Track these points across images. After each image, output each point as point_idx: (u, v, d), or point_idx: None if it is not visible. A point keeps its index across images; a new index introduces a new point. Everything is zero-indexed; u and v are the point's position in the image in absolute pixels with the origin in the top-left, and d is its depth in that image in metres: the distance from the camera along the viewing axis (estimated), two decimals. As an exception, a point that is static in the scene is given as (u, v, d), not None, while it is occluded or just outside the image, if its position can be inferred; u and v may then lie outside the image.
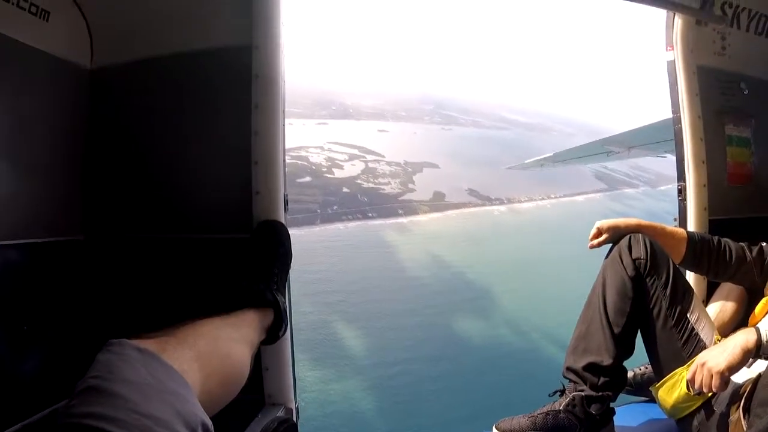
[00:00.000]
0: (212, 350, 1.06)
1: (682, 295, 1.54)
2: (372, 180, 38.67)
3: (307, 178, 36.24)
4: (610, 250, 1.63)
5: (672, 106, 2.12)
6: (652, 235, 1.61)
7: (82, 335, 1.73)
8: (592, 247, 1.67)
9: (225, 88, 1.72)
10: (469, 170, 42.39)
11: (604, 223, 1.67)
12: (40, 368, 1.62)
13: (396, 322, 18.78)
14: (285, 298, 1.59)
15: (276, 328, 1.52)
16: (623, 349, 1.55)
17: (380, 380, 15.18)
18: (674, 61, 2.09)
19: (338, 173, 38.65)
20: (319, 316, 18.88)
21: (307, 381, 14.40)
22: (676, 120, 2.11)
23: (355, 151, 43.18)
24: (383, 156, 43.11)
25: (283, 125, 1.73)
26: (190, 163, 1.77)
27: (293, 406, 1.76)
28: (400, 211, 34.34)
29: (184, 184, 1.79)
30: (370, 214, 32.98)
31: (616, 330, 1.54)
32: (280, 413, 1.67)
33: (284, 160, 1.75)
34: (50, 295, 1.69)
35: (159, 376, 0.82)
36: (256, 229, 1.66)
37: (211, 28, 1.74)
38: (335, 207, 32.92)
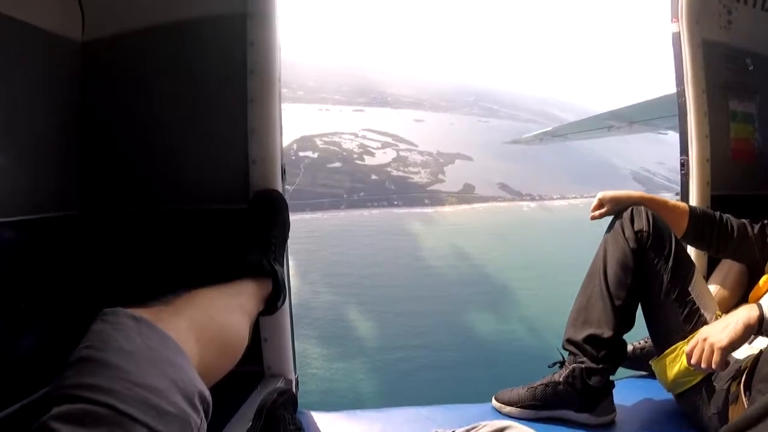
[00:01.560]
0: (209, 320, 1.04)
1: (684, 269, 1.53)
2: (402, 168, 38.63)
3: (337, 164, 36.67)
4: (612, 222, 1.62)
5: (676, 79, 2.10)
6: (654, 208, 1.59)
7: (80, 311, 1.70)
8: (593, 218, 1.67)
9: (219, 56, 1.70)
10: (503, 164, 41.56)
11: (606, 194, 1.66)
12: (38, 346, 1.62)
13: (406, 309, 18.88)
14: (283, 268, 1.57)
15: (274, 299, 1.50)
16: (623, 321, 1.55)
17: (383, 364, 15.42)
18: (679, 33, 2.06)
19: (369, 160, 38.83)
20: (332, 296, 19.34)
21: (312, 357, 14.85)
22: (680, 93, 2.08)
23: (389, 140, 43.18)
24: (416, 145, 42.91)
25: (279, 93, 1.71)
26: (185, 133, 1.75)
27: (293, 377, 1.77)
28: (426, 201, 34.23)
29: (179, 155, 1.76)
30: (395, 202, 33.12)
31: (617, 302, 1.54)
32: (280, 384, 1.68)
33: (281, 128, 1.72)
34: (47, 271, 1.67)
35: (154, 345, 0.80)
36: (253, 198, 1.65)
37: None
38: (362, 193, 33.31)
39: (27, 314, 1.58)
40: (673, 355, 1.49)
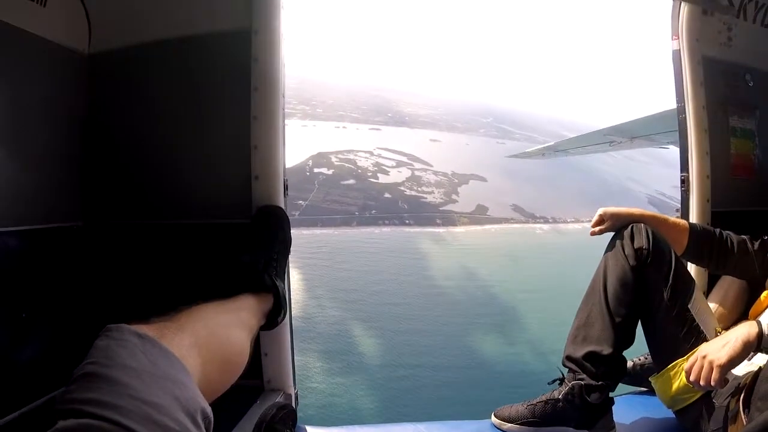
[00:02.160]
0: (211, 336, 1.04)
1: (683, 286, 1.52)
2: (415, 188, 39.03)
3: (351, 181, 37.29)
4: (613, 238, 1.60)
5: (676, 96, 2.09)
6: (654, 225, 1.58)
7: (82, 322, 1.70)
8: (593, 234, 1.65)
9: (224, 72, 1.73)
10: (517, 186, 41.56)
11: (607, 210, 1.64)
12: (38, 355, 1.61)
13: (410, 327, 18.94)
14: (284, 284, 1.59)
15: (275, 314, 1.51)
16: (623, 338, 1.54)
17: (384, 381, 15.45)
18: (679, 50, 2.06)
19: (383, 179, 39.34)
20: (337, 312, 19.60)
21: (313, 371, 15.00)
22: (681, 110, 2.07)
23: (404, 159, 43.65)
24: (431, 165, 43.27)
25: (283, 109, 1.72)
26: (189, 148, 1.76)
27: (292, 391, 1.76)
28: (438, 221, 34.48)
29: (183, 169, 1.78)
30: (407, 221, 33.40)
31: (617, 319, 1.52)
32: (279, 399, 1.67)
33: (284, 145, 1.73)
34: (49, 281, 1.68)
35: (158, 362, 0.81)
36: (255, 214, 1.66)
37: (210, 12, 1.75)
38: (373, 211, 33.67)
39: (28, 323, 1.59)
40: (672, 372, 1.47)
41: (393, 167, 41.57)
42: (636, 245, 1.52)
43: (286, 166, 1.78)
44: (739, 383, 1.34)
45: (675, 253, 1.55)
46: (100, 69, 1.78)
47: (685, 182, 2.07)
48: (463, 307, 21.46)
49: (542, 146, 11.66)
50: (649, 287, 1.52)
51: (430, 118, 61.89)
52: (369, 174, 39.67)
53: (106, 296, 1.80)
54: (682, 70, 2.06)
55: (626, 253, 1.53)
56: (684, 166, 2.08)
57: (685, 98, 2.05)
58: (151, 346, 0.83)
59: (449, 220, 34.95)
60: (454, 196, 38.71)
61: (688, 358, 1.33)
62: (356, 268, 23.76)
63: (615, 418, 1.58)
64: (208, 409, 0.84)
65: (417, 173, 41.50)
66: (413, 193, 38.29)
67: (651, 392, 1.66)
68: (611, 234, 1.62)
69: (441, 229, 33.18)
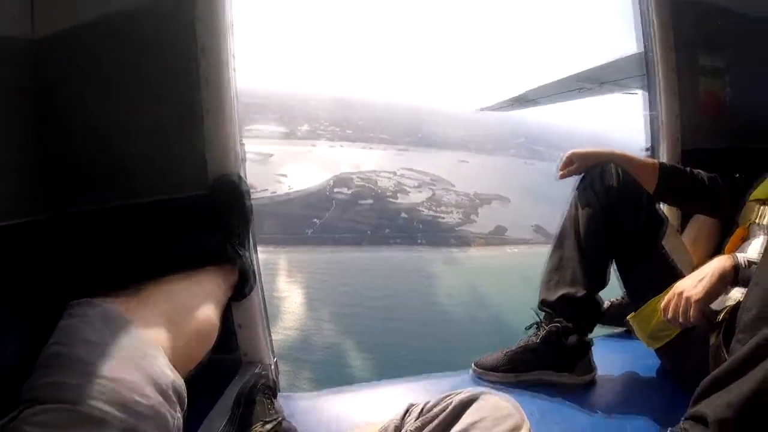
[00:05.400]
0: (176, 309, 1.03)
1: (656, 223, 1.51)
2: (434, 208, 39.03)
3: (369, 201, 37.71)
4: (582, 180, 1.60)
5: (644, 35, 2.07)
6: (623, 165, 1.56)
7: (56, 318, 1.58)
8: (562, 176, 1.62)
9: (168, 37, 1.65)
10: (541, 207, 40.70)
11: (576, 151, 1.61)
12: (16, 358, 1.49)
13: (404, 343, 19.20)
14: (249, 253, 1.57)
15: (242, 285, 1.49)
16: (597, 280, 1.54)
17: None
18: None
19: (402, 198, 39.57)
20: (332, 324, 20.31)
21: (301, 381, 15.65)
22: (647, 49, 2.06)
23: (427, 179, 43.80)
24: (454, 185, 43.34)
25: (234, 71, 1.68)
26: (142, 123, 1.69)
27: (271, 361, 1.75)
28: (452, 242, 34.30)
29: (138, 146, 1.71)
30: (419, 241, 33.41)
31: (590, 261, 1.52)
32: (258, 370, 1.66)
33: (237, 109, 1.68)
34: (18, 282, 1.60)
35: (123, 337, 0.78)
36: (212, 184, 1.61)
37: None
38: (387, 230, 33.89)
39: (3, 325, 1.52)
40: (649, 309, 1.44)
41: (414, 187, 41.79)
42: (606, 185, 1.52)
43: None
44: (718, 318, 1.33)
45: (646, 192, 1.56)
46: (46, 53, 1.70)
47: (653, 121, 2.06)
48: (463, 325, 21.45)
49: (510, 98, 11.70)
50: (620, 226, 1.51)
51: (460, 138, 62.01)
52: (388, 194, 40.01)
53: (77, 287, 1.70)
54: (648, 9, 2.04)
55: (596, 192, 1.53)
56: (653, 105, 2.07)
57: (653, 36, 2.03)
58: (115, 321, 0.81)
59: (464, 240, 34.72)
60: (472, 217, 38.39)
61: (664, 296, 1.33)
62: (359, 285, 24.38)
63: (595, 360, 1.61)
64: (180, 383, 0.83)
65: (438, 193, 41.58)
66: (430, 213, 38.28)
67: (629, 332, 1.68)
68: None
69: (455, 250, 33.04)
